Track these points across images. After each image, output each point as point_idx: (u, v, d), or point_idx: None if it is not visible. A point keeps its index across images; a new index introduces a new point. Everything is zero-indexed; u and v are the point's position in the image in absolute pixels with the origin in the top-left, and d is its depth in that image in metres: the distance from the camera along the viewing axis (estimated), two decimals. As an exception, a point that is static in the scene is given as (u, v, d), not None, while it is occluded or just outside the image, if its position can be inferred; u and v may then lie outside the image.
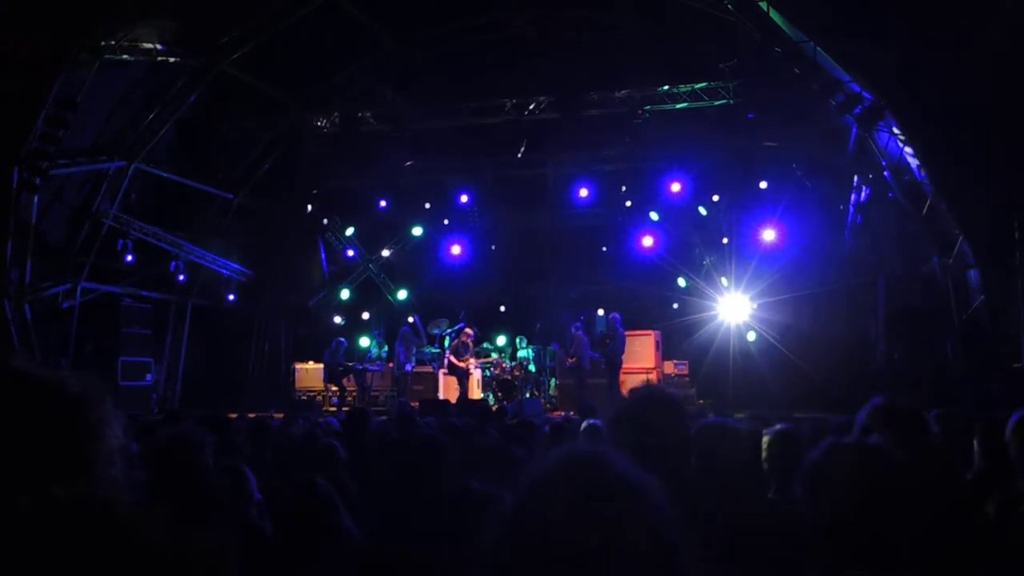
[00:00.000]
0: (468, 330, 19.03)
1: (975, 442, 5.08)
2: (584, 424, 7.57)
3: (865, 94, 14.80)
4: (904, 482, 2.24)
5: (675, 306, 21.74)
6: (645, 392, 3.10)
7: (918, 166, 15.10)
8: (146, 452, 3.42)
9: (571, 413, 15.65)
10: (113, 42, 16.19)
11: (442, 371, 19.78)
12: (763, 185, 19.49)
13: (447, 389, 19.25)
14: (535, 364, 20.00)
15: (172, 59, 17.87)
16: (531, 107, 18.78)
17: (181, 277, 20.78)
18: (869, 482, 2.23)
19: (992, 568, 2.76)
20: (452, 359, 18.61)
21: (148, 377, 19.71)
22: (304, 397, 20.06)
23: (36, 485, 1.18)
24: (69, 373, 1.36)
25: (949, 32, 13.47)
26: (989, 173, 13.82)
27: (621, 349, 17.76)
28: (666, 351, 19.70)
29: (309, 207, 22.71)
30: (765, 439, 4.63)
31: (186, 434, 3.73)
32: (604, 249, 22.62)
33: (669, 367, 19.53)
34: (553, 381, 20.01)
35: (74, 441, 1.26)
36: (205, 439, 3.74)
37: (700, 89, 18.00)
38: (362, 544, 3.36)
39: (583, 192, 21.11)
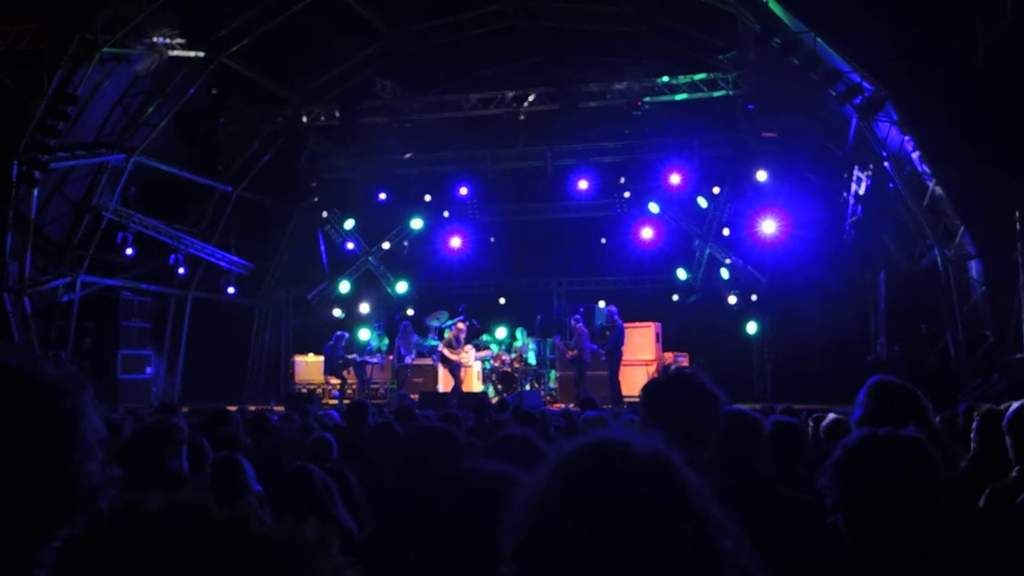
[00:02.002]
0: (460, 324, 19.06)
1: (972, 430, 5.09)
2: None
3: (865, 84, 14.74)
4: (937, 476, 2.22)
5: (674, 298, 21.76)
6: (677, 372, 3.09)
7: (919, 157, 15.05)
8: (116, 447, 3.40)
9: (571, 405, 15.65)
10: (112, 35, 16.15)
11: (441, 364, 19.79)
12: (763, 176, 19.44)
13: (447, 382, 19.26)
14: (535, 356, 19.99)
15: (171, 52, 17.83)
16: (530, 99, 18.72)
17: (181, 270, 20.79)
18: (908, 476, 2.20)
19: (981, 558, 2.74)
20: (445, 352, 18.66)
21: (148, 370, 19.72)
22: (304, 390, 20.07)
23: (9, 479, 1.16)
24: (47, 363, 1.33)
25: (950, 21, 13.42)
26: (990, 164, 13.78)
27: (621, 341, 17.75)
28: (666, 343, 19.68)
29: (308, 200, 22.67)
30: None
31: (155, 425, 3.72)
32: (603, 241, 22.62)
33: (669, 359, 19.51)
34: (553, 373, 20.00)
35: (49, 434, 1.23)
36: (173, 428, 3.73)
37: (699, 80, 17.92)
38: (362, 538, 3.34)
39: (582, 184, 21.10)
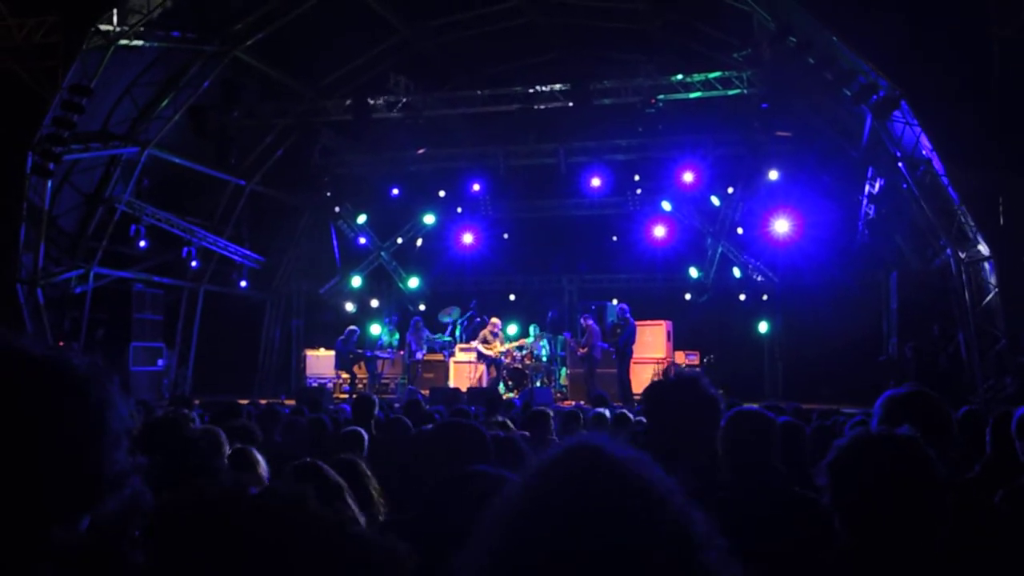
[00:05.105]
0: (495, 319, 19.14)
1: (987, 433, 5.06)
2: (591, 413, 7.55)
3: (881, 82, 14.68)
4: (934, 474, 2.22)
5: (687, 296, 21.73)
6: (678, 375, 3.15)
7: (933, 157, 14.98)
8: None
9: (582, 402, 15.65)
10: (127, 27, 16.20)
11: (453, 360, 19.78)
12: (776, 176, 19.38)
13: (458, 377, 19.27)
14: (546, 353, 19.97)
15: (185, 45, 17.88)
16: (543, 95, 18.67)
17: (193, 263, 20.86)
18: (896, 473, 2.21)
19: (997, 557, 2.73)
20: (481, 348, 18.69)
21: (159, 363, 19.81)
22: (315, 384, 20.11)
23: (36, 467, 1.17)
24: (73, 354, 1.34)
25: (965, 20, 13.37)
26: (1005, 164, 13.72)
27: (632, 339, 17.74)
28: (677, 341, 19.66)
29: (321, 194, 22.72)
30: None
31: (168, 416, 3.75)
32: (615, 239, 22.60)
33: (680, 357, 19.49)
34: (564, 370, 19.98)
35: (75, 423, 1.24)
36: (183, 418, 3.76)
37: (714, 79, 17.83)
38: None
39: (595, 181, 21.05)
